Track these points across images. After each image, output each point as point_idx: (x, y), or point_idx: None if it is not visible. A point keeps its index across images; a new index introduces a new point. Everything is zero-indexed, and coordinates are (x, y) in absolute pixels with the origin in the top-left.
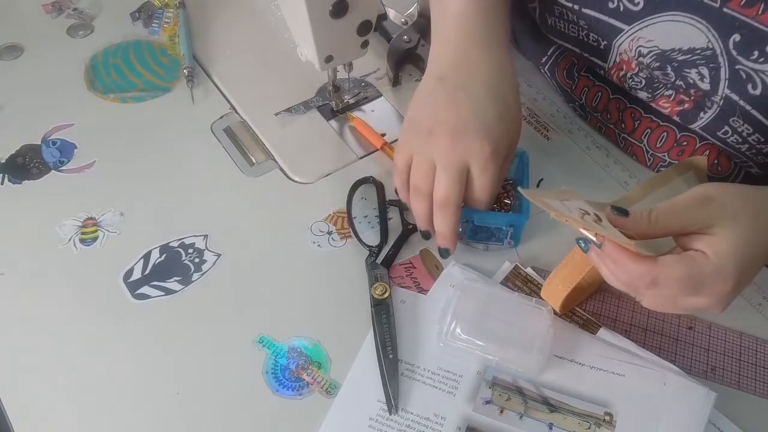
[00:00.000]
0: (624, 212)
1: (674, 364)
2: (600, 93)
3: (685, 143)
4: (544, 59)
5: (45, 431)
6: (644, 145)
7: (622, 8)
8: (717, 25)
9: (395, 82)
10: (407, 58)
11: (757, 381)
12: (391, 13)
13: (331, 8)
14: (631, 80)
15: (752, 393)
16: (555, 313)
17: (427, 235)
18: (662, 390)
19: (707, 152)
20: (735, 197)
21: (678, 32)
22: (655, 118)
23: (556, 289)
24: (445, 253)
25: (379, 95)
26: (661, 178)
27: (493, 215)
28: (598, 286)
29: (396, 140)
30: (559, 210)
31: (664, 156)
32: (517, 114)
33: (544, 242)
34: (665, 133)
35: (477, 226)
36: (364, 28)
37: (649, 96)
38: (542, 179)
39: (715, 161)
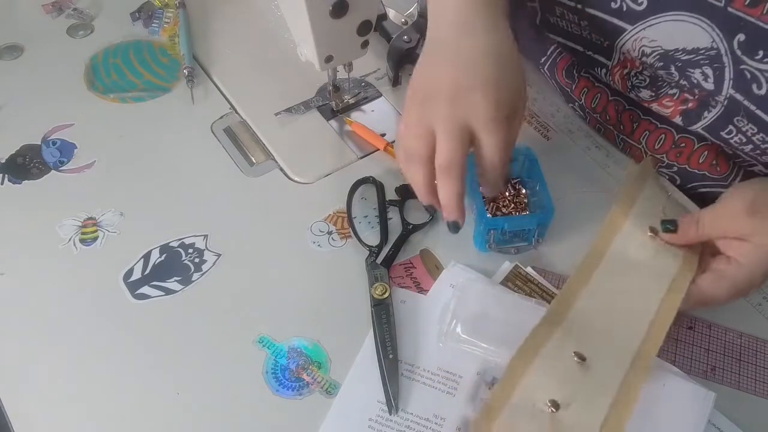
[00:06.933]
0: (673, 225)
1: (674, 365)
2: (599, 94)
3: (683, 144)
4: (543, 59)
5: (45, 431)
6: (643, 146)
7: (625, 8)
8: (721, 24)
9: (395, 82)
10: (407, 58)
11: (757, 381)
12: (391, 13)
13: (331, 8)
14: (635, 78)
15: (752, 393)
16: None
17: (455, 227)
18: (662, 390)
19: (705, 153)
20: None
21: (682, 32)
22: (653, 120)
23: None
24: (453, 227)
25: (379, 95)
26: (633, 188)
27: (522, 218)
28: None
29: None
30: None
31: (663, 157)
32: (518, 74)
33: (553, 239)
34: (663, 135)
35: (505, 231)
36: (364, 28)
37: (653, 95)
38: None
39: (714, 162)
